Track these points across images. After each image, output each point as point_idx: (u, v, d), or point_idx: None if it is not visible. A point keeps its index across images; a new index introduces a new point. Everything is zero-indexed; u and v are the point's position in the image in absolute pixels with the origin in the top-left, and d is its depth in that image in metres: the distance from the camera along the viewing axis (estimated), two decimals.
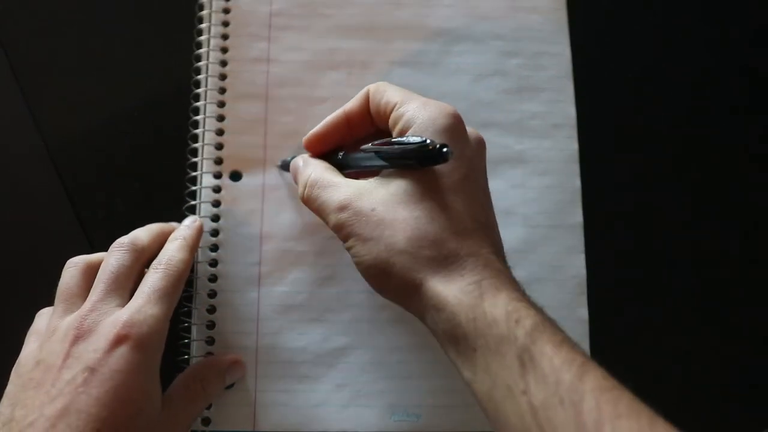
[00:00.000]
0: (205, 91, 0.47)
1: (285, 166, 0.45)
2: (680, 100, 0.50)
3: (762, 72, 0.51)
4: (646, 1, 0.52)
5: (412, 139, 0.33)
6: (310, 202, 0.38)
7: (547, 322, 0.31)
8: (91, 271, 0.39)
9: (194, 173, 0.46)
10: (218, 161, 0.47)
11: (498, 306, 0.31)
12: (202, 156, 0.47)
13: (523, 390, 0.29)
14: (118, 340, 0.35)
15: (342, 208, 0.35)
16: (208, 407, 0.43)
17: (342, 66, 0.48)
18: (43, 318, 0.40)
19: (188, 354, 0.44)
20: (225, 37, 0.48)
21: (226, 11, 0.49)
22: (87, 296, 0.38)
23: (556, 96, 0.48)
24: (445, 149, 0.32)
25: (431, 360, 0.44)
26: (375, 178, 0.36)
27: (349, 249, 0.35)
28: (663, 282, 0.47)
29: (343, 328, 0.45)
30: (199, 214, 0.46)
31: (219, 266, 0.45)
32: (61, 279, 0.39)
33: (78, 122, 0.49)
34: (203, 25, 0.49)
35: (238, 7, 0.49)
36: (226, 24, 0.49)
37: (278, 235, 0.46)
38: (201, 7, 0.49)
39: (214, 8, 0.49)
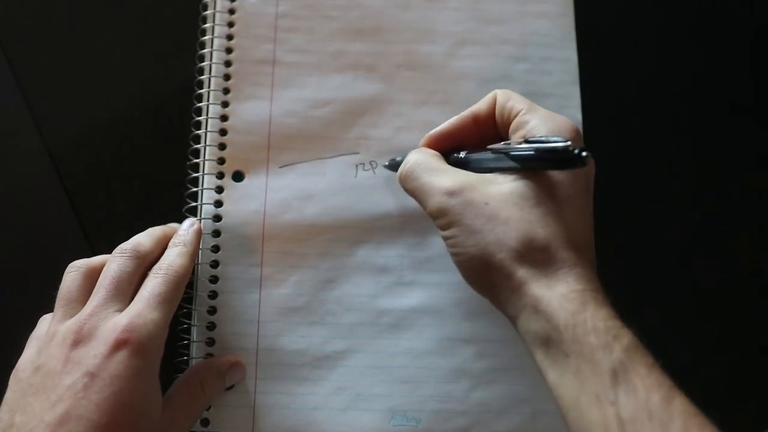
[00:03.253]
0: (209, 92, 0.47)
1: (394, 166, 0.44)
2: (687, 106, 0.50)
3: None
4: (654, 6, 0.52)
5: (554, 139, 0.34)
6: (408, 181, 0.39)
7: (641, 345, 0.32)
8: (93, 276, 0.39)
9: (196, 173, 0.46)
10: (221, 161, 0.46)
11: (599, 318, 0.32)
12: (205, 156, 0.46)
13: (612, 401, 0.30)
14: (118, 345, 0.35)
15: (452, 193, 0.36)
16: (208, 409, 0.43)
17: (347, 68, 0.48)
18: (44, 323, 0.39)
19: (188, 355, 0.44)
20: (230, 37, 0.48)
21: (232, 12, 0.49)
22: (87, 301, 0.38)
23: (562, 102, 0.48)
24: (584, 153, 0.33)
25: (432, 365, 0.44)
26: (487, 174, 0.37)
27: (449, 237, 0.36)
28: (663, 284, 0.47)
29: (343, 331, 0.45)
30: (201, 214, 0.46)
31: (220, 267, 0.45)
32: (61, 283, 0.39)
33: (78, 122, 0.49)
34: (207, 25, 0.48)
35: (244, 8, 0.49)
36: (231, 24, 0.48)
37: (280, 237, 0.46)
38: (205, 7, 0.49)
39: (219, 8, 0.49)
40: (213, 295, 0.45)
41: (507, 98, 0.39)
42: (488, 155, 0.37)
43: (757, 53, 0.52)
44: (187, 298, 0.44)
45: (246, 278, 0.45)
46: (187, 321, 0.44)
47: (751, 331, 0.47)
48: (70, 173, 0.48)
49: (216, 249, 0.45)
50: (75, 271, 0.39)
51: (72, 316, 0.37)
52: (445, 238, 0.36)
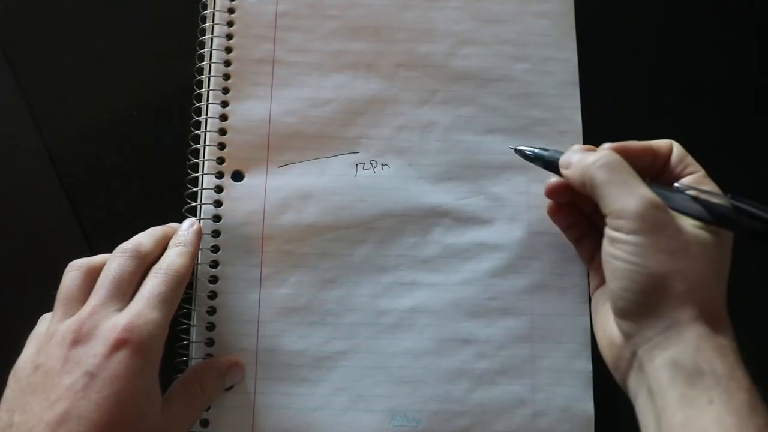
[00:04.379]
0: (208, 91, 0.47)
1: (547, 163, 0.43)
2: (688, 107, 0.50)
3: None
4: (654, 6, 0.52)
5: (762, 206, 0.35)
6: (608, 171, 0.37)
7: None
8: (93, 275, 0.39)
9: (196, 173, 0.46)
10: (220, 161, 0.46)
11: (749, 382, 0.33)
12: (204, 155, 0.46)
13: None
14: (118, 345, 0.35)
15: (657, 206, 0.35)
16: (207, 409, 0.43)
17: (347, 68, 0.48)
18: (44, 323, 0.39)
19: (188, 356, 0.44)
20: (230, 37, 0.48)
21: (231, 11, 0.49)
22: (87, 300, 0.38)
23: (562, 102, 0.48)
24: None
25: (432, 365, 0.44)
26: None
27: (636, 243, 0.35)
28: None
29: (343, 331, 0.45)
30: (200, 214, 0.45)
31: (220, 267, 0.45)
32: (61, 282, 0.39)
33: (78, 122, 0.49)
34: (207, 25, 0.48)
35: (244, 7, 0.49)
36: (230, 24, 0.48)
37: (280, 237, 0.46)
38: (204, 7, 0.49)
39: (218, 8, 0.49)
40: (212, 295, 0.45)
41: (685, 154, 0.39)
42: (678, 194, 0.37)
43: (757, 53, 0.52)
44: (187, 298, 0.44)
45: (246, 278, 0.45)
46: (187, 321, 0.44)
47: (752, 330, 0.47)
48: (70, 173, 0.48)
49: (215, 249, 0.45)
50: (75, 270, 0.39)
51: (72, 316, 0.37)
52: (624, 242, 0.35)
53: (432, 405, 0.44)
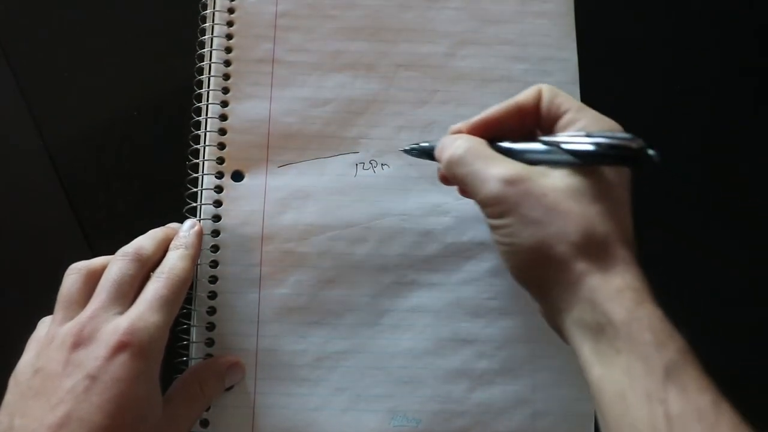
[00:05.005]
0: (208, 91, 0.47)
1: (420, 153, 0.43)
2: (688, 107, 0.50)
3: None
4: (654, 6, 0.52)
5: (622, 135, 0.34)
6: (458, 166, 0.37)
7: (692, 349, 0.32)
8: (93, 278, 0.39)
9: (196, 174, 0.46)
10: (220, 161, 0.46)
11: (654, 318, 0.32)
12: (204, 155, 0.46)
13: (662, 399, 0.30)
14: (119, 348, 0.35)
15: (509, 182, 0.35)
16: (207, 409, 0.43)
17: (347, 68, 0.48)
18: (44, 326, 0.39)
19: (187, 356, 0.44)
20: (229, 37, 0.48)
21: (231, 11, 0.49)
22: (87, 303, 0.38)
23: None
24: (651, 151, 0.33)
25: (432, 365, 0.44)
26: (538, 167, 0.36)
27: (503, 226, 0.35)
28: (663, 285, 0.47)
29: (343, 331, 0.45)
30: (200, 214, 0.45)
31: (219, 267, 0.45)
32: (61, 285, 0.39)
33: (78, 122, 0.49)
34: (207, 25, 0.48)
35: (243, 7, 0.49)
36: (230, 24, 0.48)
37: (280, 237, 0.46)
38: (204, 7, 0.49)
39: (218, 8, 0.49)
40: (212, 295, 0.45)
41: (555, 94, 0.38)
42: (538, 146, 0.36)
43: (757, 53, 0.52)
44: (187, 298, 0.44)
45: (245, 278, 0.45)
46: (187, 321, 0.44)
47: (751, 330, 0.47)
48: (70, 173, 0.48)
49: (215, 249, 0.45)
50: (75, 273, 0.39)
51: (72, 319, 0.37)
52: (496, 227, 0.36)
53: (432, 405, 0.44)
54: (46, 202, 0.48)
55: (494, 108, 0.40)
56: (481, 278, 0.45)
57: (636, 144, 0.33)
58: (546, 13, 0.50)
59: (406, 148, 0.44)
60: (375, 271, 0.45)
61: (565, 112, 0.37)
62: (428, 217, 0.46)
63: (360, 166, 0.47)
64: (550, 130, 0.38)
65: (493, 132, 0.40)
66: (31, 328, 0.39)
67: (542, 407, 0.44)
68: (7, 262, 0.47)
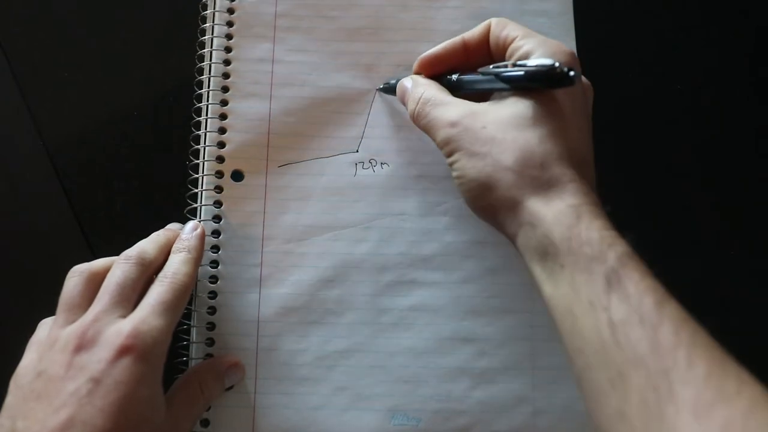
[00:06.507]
0: (208, 91, 0.47)
1: (389, 90, 0.46)
2: (687, 106, 0.50)
3: None
4: (654, 5, 0.52)
5: (541, 60, 0.35)
6: (419, 118, 0.40)
7: (635, 254, 0.33)
8: (95, 280, 0.39)
9: (196, 173, 0.46)
10: (220, 161, 0.46)
11: (593, 230, 0.33)
12: (204, 155, 0.46)
13: (605, 306, 0.31)
14: (122, 351, 0.35)
15: (453, 124, 0.38)
16: (208, 409, 0.43)
17: (346, 68, 0.48)
18: (44, 328, 0.39)
19: (188, 356, 0.44)
20: (229, 36, 0.48)
21: (231, 11, 0.49)
22: (89, 306, 0.37)
23: None
24: (572, 72, 0.34)
25: (432, 364, 0.44)
26: (488, 101, 0.38)
27: (453, 164, 0.38)
28: (663, 283, 0.47)
29: (343, 330, 0.45)
30: (200, 214, 0.45)
31: (220, 267, 0.45)
32: (63, 287, 0.39)
33: (78, 122, 0.49)
34: (206, 25, 0.48)
35: (243, 7, 0.49)
36: (230, 24, 0.48)
37: (280, 237, 0.46)
38: (204, 7, 0.49)
39: (218, 8, 0.49)
40: (213, 295, 0.45)
41: (503, 26, 0.40)
42: (479, 77, 0.39)
43: (757, 53, 0.52)
44: None
45: (246, 278, 0.45)
46: (187, 321, 0.44)
47: (752, 329, 0.47)
48: (70, 173, 0.48)
49: (215, 249, 0.45)
50: (77, 275, 0.39)
51: (74, 322, 0.37)
52: (450, 166, 0.38)
53: (432, 404, 0.44)
54: (45, 202, 0.48)
55: (442, 44, 0.43)
56: (481, 277, 0.45)
57: (554, 66, 0.35)
58: (545, 11, 0.50)
59: (381, 86, 0.48)
60: (375, 271, 0.45)
61: (512, 41, 0.39)
62: (428, 216, 0.46)
63: (360, 166, 0.47)
64: (503, 60, 0.40)
65: (444, 68, 0.43)
66: (30, 328, 0.39)
67: (543, 405, 0.44)
68: (5, 262, 0.47)
